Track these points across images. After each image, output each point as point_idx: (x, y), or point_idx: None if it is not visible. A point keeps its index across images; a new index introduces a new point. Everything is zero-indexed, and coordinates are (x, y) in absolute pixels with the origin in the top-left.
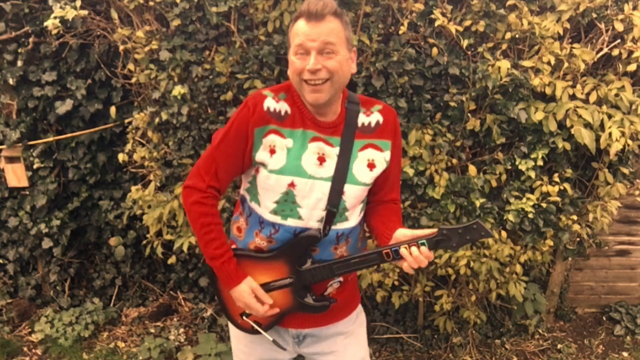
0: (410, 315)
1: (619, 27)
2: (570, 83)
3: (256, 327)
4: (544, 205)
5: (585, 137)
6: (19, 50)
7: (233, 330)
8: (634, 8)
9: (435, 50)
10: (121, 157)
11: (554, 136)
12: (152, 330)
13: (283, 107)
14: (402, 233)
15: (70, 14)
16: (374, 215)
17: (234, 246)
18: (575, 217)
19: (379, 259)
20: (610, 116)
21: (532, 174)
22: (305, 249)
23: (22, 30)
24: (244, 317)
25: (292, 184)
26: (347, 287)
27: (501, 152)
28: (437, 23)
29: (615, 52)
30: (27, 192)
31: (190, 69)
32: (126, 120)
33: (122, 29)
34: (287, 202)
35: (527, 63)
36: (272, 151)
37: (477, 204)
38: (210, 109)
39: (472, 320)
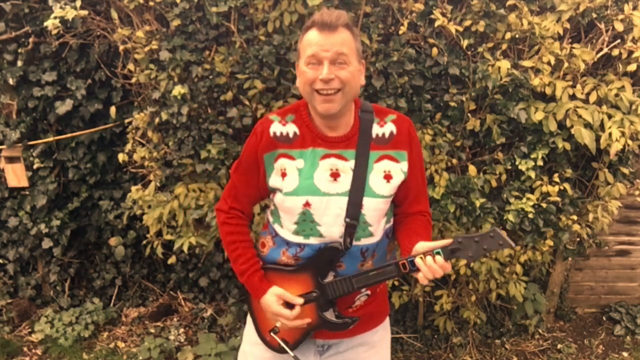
0: (410, 315)
1: (619, 27)
2: (570, 83)
3: (282, 344)
4: (544, 205)
5: (585, 137)
6: (19, 50)
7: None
8: (634, 8)
9: (435, 50)
10: (121, 157)
11: (554, 136)
12: (152, 330)
13: (291, 129)
14: (422, 245)
15: (70, 14)
16: (400, 229)
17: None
18: (575, 217)
19: (396, 271)
20: (610, 116)
21: (532, 174)
22: (329, 262)
23: (22, 30)
24: (272, 334)
25: (307, 204)
26: (376, 299)
27: (501, 152)
28: (437, 23)
29: (615, 52)
30: (27, 192)
31: (190, 69)
32: (126, 120)
33: (122, 29)
34: (306, 222)
35: (527, 63)
36: (284, 174)
37: (477, 204)
38: (210, 109)
39: (472, 320)
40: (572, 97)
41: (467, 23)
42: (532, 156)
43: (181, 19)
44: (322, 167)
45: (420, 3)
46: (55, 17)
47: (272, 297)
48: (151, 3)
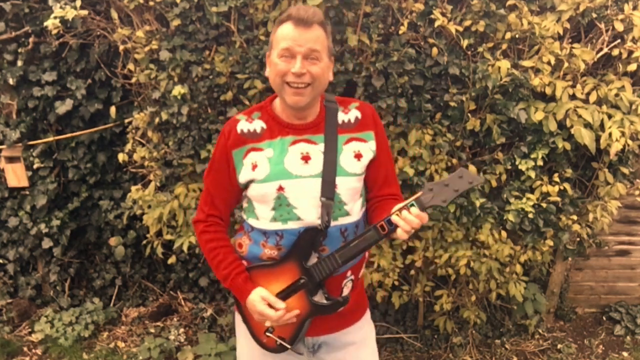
0: (410, 315)
1: (619, 27)
2: (570, 83)
3: (280, 341)
4: (544, 205)
5: (585, 137)
6: (19, 50)
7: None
8: (634, 8)
9: (435, 50)
10: (121, 157)
11: (554, 136)
12: (152, 330)
13: (258, 124)
14: (396, 207)
15: (70, 14)
16: (374, 213)
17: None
18: (575, 217)
19: (376, 235)
20: (610, 116)
21: (532, 174)
22: (310, 244)
23: (22, 30)
24: (268, 334)
25: (280, 188)
26: (356, 289)
27: (501, 152)
28: (437, 23)
29: (615, 52)
30: (27, 192)
31: (190, 69)
32: (126, 120)
33: (122, 29)
34: (282, 207)
35: (527, 63)
36: (255, 166)
37: (477, 204)
38: (210, 109)
39: (472, 320)
40: (572, 97)
41: (467, 23)
42: (532, 156)
43: (181, 19)
44: (291, 152)
45: (420, 3)
46: (55, 17)
47: (257, 297)
48: (151, 3)
